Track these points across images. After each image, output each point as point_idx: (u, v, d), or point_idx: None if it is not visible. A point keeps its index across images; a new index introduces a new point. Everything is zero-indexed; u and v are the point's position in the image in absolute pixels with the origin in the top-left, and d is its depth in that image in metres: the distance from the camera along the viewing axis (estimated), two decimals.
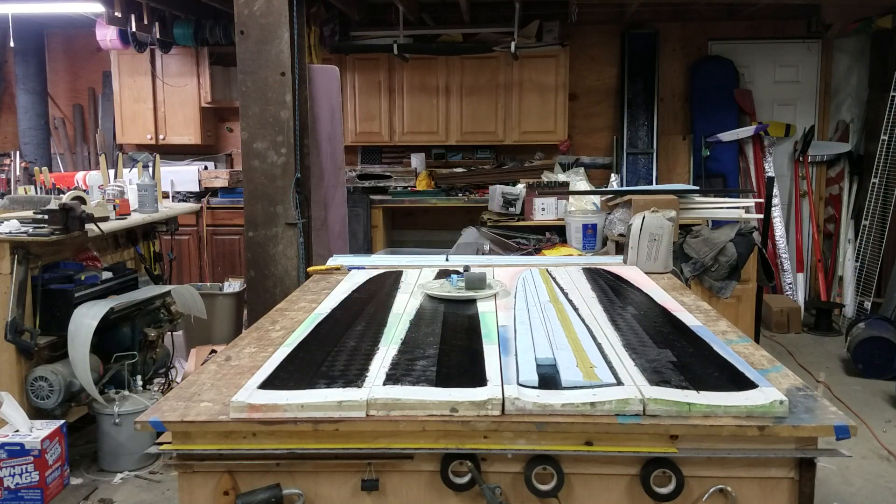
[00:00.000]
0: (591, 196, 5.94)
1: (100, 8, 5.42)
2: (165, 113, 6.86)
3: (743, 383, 1.50)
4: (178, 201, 6.28)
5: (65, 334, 3.50)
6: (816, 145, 6.55)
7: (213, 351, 4.06)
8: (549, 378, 1.54)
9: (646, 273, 2.69)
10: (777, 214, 6.50)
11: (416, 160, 7.00)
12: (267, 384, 1.52)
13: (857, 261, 6.04)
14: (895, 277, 5.58)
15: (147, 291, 4.06)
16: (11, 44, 6.11)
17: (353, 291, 2.42)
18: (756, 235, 4.40)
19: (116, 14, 5.40)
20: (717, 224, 4.59)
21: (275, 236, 4.37)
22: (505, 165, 7.05)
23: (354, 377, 1.54)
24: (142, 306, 4.02)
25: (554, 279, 2.56)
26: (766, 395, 1.43)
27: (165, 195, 6.06)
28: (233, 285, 5.34)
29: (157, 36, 6.05)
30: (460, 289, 2.31)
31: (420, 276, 2.62)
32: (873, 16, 6.05)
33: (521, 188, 6.18)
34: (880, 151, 5.77)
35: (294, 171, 4.32)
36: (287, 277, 4.36)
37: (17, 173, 6.16)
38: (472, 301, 2.23)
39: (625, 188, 6.21)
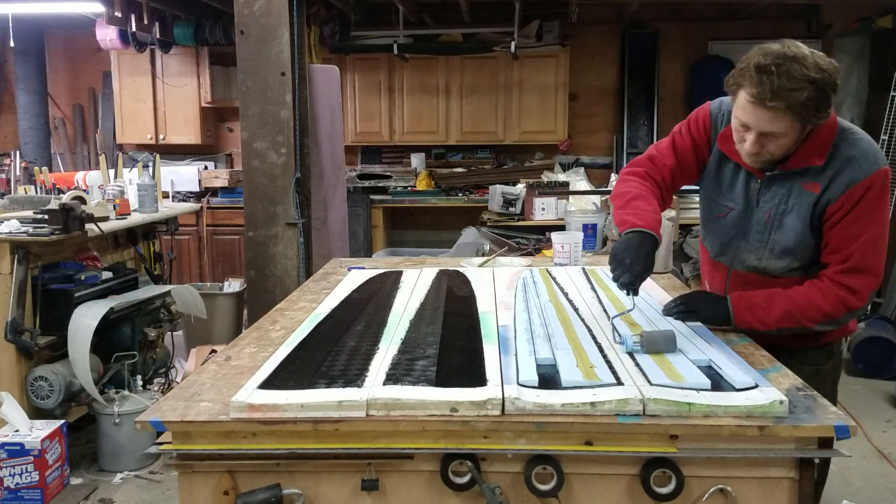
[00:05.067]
0: (591, 196, 5.94)
1: (100, 8, 5.42)
2: (165, 113, 6.87)
3: (743, 383, 1.50)
4: (178, 201, 6.28)
5: (65, 334, 3.50)
6: None
7: (213, 351, 4.06)
8: (549, 378, 1.54)
9: None
10: None
11: (416, 160, 7.01)
12: (267, 384, 1.52)
13: None
14: (895, 277, 5.58)
15: (147, 291, 4.06)
16: (11, 44, 6.11)
17: (353, 291, 2.42)
18: None
19: (116, 14, 5.40)
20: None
21: (275, 236, 4.37)
22: (505, 165, 7.05)
23: (354, 377, 1.54)
24: (142, 306, 4.02)
25: (554, 279, 2.56)
26: (766, 394, 1.43)
27: (165, 195, 6.05)
28: (233, 285, 5.34)
29: (157, 36, 6.06)
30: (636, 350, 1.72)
31: (420, 276, 2.62)
32: (873, 16, 6.05)
33: (521, 188, 6.19)
34: None
35: (294, 171, 4.32)
36: (287, 277, 4.36)
37: (17, 173, 6.16)
38: (472, 301, 2.23)
39: None
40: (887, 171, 1.84)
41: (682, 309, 1.91)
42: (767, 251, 1.95)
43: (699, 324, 1.96)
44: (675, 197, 4.33)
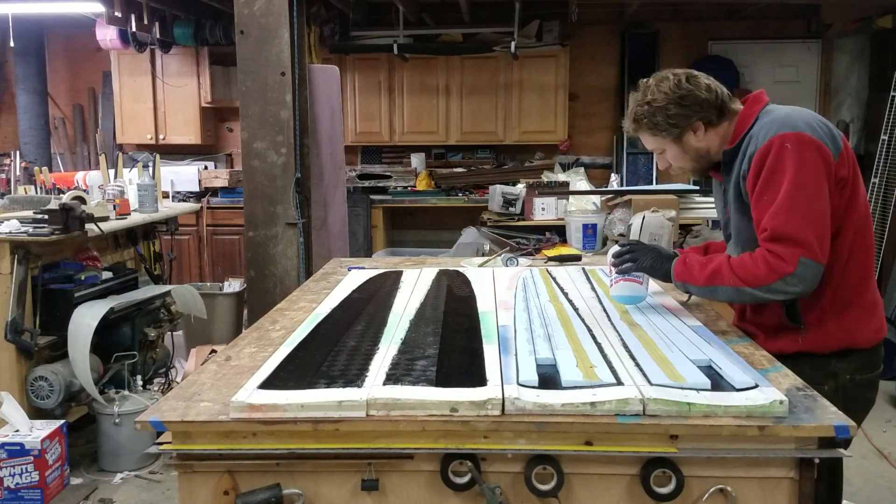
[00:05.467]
0: (591, 196, 5.93)
1: (100, 8, 5.42)
2: (165, 113, 6.87)
3: (743, 383, 1.49)
4: (178, 201, 6.28)
5: (65, 334, 3.50)
6: None
7: (213, 351, 4.06)
8: (549, 378, 1.54)
9: None
10: None
11: (416, 160, 7.01)
12: (267, 384, 1.52)
13: None
14: (895, 277, 5.58)
15: (147, 291, 4.06)
16: (11, 44, 6.11)
17: (353, 291, 2.42)
18: None
19: (116, 14, 5.40)
20: (717, 224, 4.58)
21: (275, 236, 4.37)
22: (505, 165, 7.05)
23: (354, 377, 1.54)
24: (142, 306, 4.02)
25: (554, 279, 2.56)
26: (766, 394, 1.43)
27: (165, 195, 6.05)
28: (233, 285, 5.34)
29: (157, 36, 6.06)
30: None
31: (420, 277, 2.62)
32: (873, 16, 6.05)
33: (521, 188, 6.18)
34: (880, 151, 5.77)
35: (294, 171, 4.32)
36: (287, 277, 4.36)
37: (17, 173, 6.16)
38: (472, 301, 2.23)
39: (625, 188, 6.21)
40: (790, 135, 1.80)
41: (626, 259, 2.02)
42: (736, 248, 2.01)
43: (699, 324, 1.97)
44: (675, 197, 4.34)
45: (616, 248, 2.09)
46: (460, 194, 6.76)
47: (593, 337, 1.83)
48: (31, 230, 3.42)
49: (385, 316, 2.06)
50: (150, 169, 4.66)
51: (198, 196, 6.57)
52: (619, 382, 1.49)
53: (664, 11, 6.78)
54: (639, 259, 2.01)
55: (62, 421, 3.42)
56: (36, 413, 3.49)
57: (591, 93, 7.03)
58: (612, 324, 1.95)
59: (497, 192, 6.05)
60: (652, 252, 2.03)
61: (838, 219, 1.85)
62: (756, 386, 1.48)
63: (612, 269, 2.07)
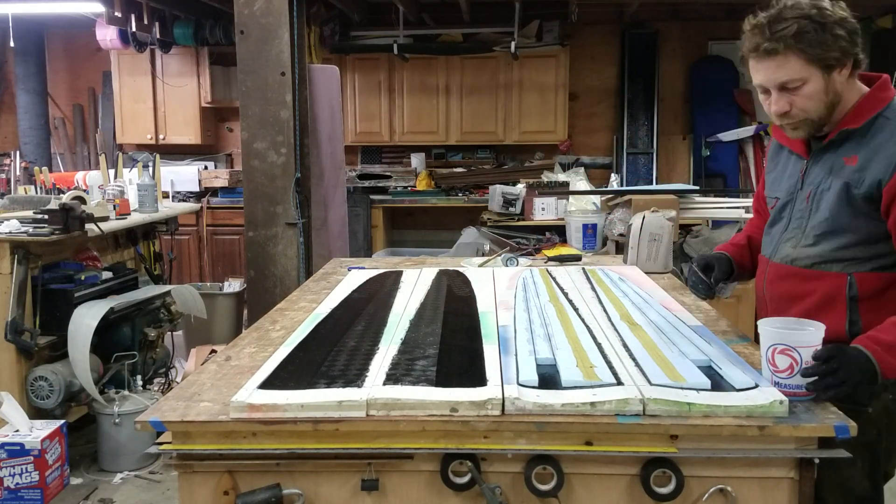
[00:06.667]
0: (591, 196, 5.93)
1: (100, 8, 5.42)
2: (165, 113, 6.87)
3: (743, 383, 1.49)
4: (178, 201, 6.28)
5: (65, 334, 3.49)
6: None
7: (213, 351, 4.05)
8: (549, 378, 1.54)
9: (646, 273, 2.69)
10: None
11: (416, 160, 7.01)
12: (267, 384, 1.52)
13: None
14: None
15: (147, 291, 4.06)
16: (11, 44, 6.11)
17: (353, 291, 2.42)
18: None
19: (116, 14, 5.41)
20: (717, 224, 4.59)
21: (275, 236, 4.37)
22: (505, 165, 7.05)
23: (354, 377, 1.54)
24: (142, 306, 4.02)
25: (554, 279, 2.56)
26: (766, 394, 1.43)
27: (165, 195, 6.05)
28: (233, 285, 5.34)
29: (157, 36, 6.06)
30: None
31: (420, 276, 2.62)
32: (873, 16, 6.05)
33: (521, 188, 6.18)
34: None
35: (294, 171, 4.32)
36: (287, 277, 4.36)
37: (17, 173, 6.16)
38: (472, 301, 2.23)
39: (625, 188, 6.21)
40: None
41: (829, 383, 1.45)
42: (803, 237, 1.71)
43: (699, 324, 1.96)
44: (675, 197, 4.34)
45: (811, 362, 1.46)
46: (460, 194, 6.76)
47: (593, 337, 1.83)
48: (31, 230, 3.42)
49: (385, 316, 2.06)
50: (150, 169, 4.66)
51: (198, 196, 6.57)
52: (619, 382, 1.49)
53: (664, 11, 6.78)
54: (846, 381, 1.45)
55: (62, 421, 3.41)
56: (36, 413, 3.49)
57: (591, 93, 7.03)
58: (612, 324, 1.95)
59: (497, 192, 6.06)
60: (857, 360, 1.48)
61: None
62: (756, 386, 1.48)
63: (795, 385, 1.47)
